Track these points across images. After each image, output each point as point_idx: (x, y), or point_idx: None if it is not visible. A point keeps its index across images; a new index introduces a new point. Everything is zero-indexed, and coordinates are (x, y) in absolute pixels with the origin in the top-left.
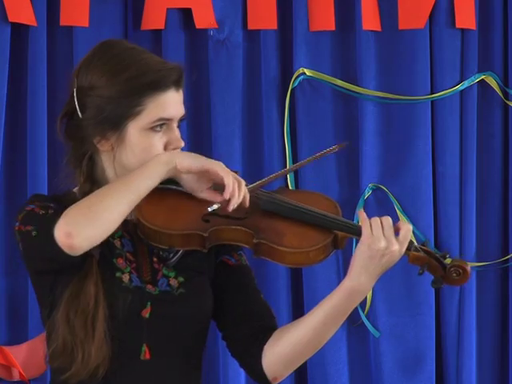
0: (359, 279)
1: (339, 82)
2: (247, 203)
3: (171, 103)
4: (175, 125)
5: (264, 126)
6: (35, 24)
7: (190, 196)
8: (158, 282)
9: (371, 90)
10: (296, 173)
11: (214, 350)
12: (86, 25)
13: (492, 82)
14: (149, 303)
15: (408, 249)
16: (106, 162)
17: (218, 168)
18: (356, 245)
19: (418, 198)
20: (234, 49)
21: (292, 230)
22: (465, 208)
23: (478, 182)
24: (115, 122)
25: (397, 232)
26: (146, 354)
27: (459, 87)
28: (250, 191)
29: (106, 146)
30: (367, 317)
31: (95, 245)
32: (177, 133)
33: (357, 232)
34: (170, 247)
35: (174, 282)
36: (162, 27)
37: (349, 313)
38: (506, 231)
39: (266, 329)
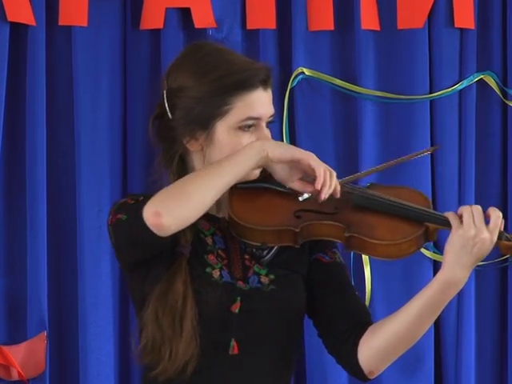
0: (453, 271)
1: (338, 82)
2: (338, 194)
3: (259, 102)
4: (264, 124)
5: None
6: (34, 23)
7: (280, 193)
8: (248, 279)
9: (370, 89)
10: None
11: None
12: (85, 24)
13: (491, 82)
14: (238, 298)
15: (499, 238)
16: (196, 162)
17: (310, 158)
18: None
19: None
20: (233, 48)
21: (383, 223)
22: None
23: (476, 182)
24: (204, 121)
25: (487, 220)
26: (234, 348)
27: (458, 87)
28: (341, 185)
29: (196, 146)
30: None
31: (182, 227)
32: (266, 132)
33: (447, 223)
34: (263, 244)
35: (264, 280)
36: (161, 27)
37: (443, 307)
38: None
39: (361, 324)
